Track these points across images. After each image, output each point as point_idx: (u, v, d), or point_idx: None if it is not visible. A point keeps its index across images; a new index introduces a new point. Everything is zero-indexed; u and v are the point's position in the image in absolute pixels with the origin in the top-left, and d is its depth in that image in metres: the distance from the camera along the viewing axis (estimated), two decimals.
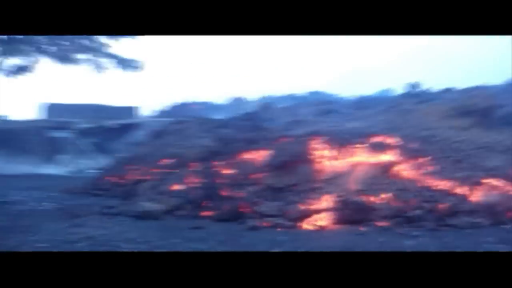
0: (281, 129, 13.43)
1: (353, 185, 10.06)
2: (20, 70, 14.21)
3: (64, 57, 14.09)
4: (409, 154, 10.74)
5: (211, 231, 8.83)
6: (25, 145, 26.83)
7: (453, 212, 8.98)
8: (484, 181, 9.94)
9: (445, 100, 14.43)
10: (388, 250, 6.98)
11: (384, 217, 9.05)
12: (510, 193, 9.53)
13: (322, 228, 8.87)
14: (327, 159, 11.09)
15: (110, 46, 14.30)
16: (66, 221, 9.77)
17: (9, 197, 13.78)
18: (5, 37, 13.77)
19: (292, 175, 10.79)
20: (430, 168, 10.45)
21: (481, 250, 6.95)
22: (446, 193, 9.63)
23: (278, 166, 10.98)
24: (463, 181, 9.91)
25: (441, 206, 9.15)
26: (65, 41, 14.04)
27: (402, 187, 9.77)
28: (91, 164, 25.10)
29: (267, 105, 19.62)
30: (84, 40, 14.26)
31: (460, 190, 9.73)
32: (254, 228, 8.97)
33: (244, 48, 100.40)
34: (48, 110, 32.05)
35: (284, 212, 9.45)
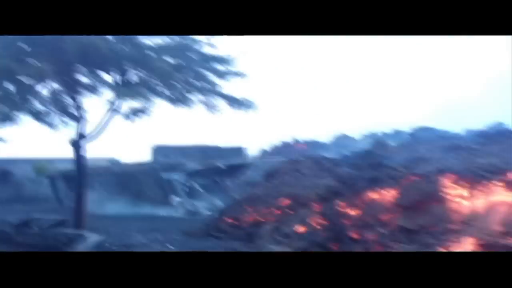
0: (405, 167, 12.83)
1: (496, 227, 9.28)
2: (137, 112, 14.72)
3: (177, 99, 14.46)
4: None
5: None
6: (139, 187, 27.96)
7: None
8: None
9: None
10: None
11: None
12: None
13: None
14: (463, 198, 10.38)
15: (222, 87, 14.50)
16: None
17: (134, 240, 14.23)
18: (119, 79, 14.43)
19: (426, 215, 10.22)
20: None
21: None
22: None
23: (409, 206, 10.45)
24: None
25: None
26: (178, 82, 14.44)
27: None
28: (204, 206, 25.59)
29: (383, 143, 19.04)
30: (197, 82, 14.61)
31: None
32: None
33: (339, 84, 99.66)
34: (159, 152, 33.33)
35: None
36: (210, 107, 14.33)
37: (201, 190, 27.89)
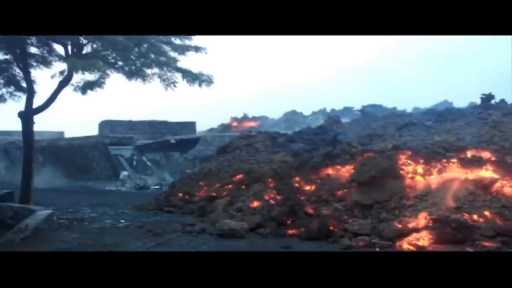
0: (359, 143, 12.83)
1: (450, 202, 9.39)
2: (90, 85, 14.10)
3: (133, 72, 13.89)
4: (509, 168, 9.97)
5: (303, 251, 8.37)
6: (87, 161, 27.23)
7: None
8: None
9: None
10: None
11: (490, 237, 8.39)
12: None
13: (423, 247, 8.27)
14: (418, 174, 10.46)
15: (178, 60, 14.01)
16: (151, 240, 9.52)
17: (85, 214, 13.75)
18: (72, 50, 13.78)
19: (381, 191, 10.23)
20: None
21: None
22: None
23: (365, 182, 10.43)
24: None
25: None
26: (134, 56, 13.86)
27: (507, 204, 9.03)
28: (152, 181, 25.15)
29: (335, 118, 19.03)
30: (153, 55, 14.08)
31: None
32: (349, 248, 8.48)
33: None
34: (106, 126, 32.53)
35: (379, 231, 8.90)
36: (166, 80, 13.82)
37: (149, 164, 27.42)
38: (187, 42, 14.40)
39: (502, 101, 15.61)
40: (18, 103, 14.84)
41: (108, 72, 13.78)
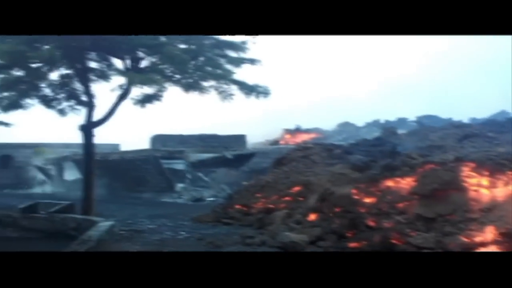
0: (420, 155, 12.63)
1: None
2: (148, 98, 14.51)
3: (190, 85, 14.23)
4: None
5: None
6: (142, 174, 27.76)
7: None
8: None
9: None
10: None
11: None
12: None
13: None
14: (483, 187, 10.19)
15: (234, 73, 14.28)
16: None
17: (144, 226, 14.08)
18: (131, 64, 14.23)
19: (444, 204, 10.02)
20: None
21: None
22: None
23: (427, 194, 10.25)
24: None
25: None
26: (191, 69, 14.19)
27: None
28: (209, 193, 25.45)
29: (392, 130, 18.81)
30: (209, 68, 14.37)
31: None
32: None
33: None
34: (160, 140, 33.06)
35: (445, 245, 8.73)
36: (223, 93, 14.09)
37: (205, 179, 27.69)
38: (242, 54, 14.65)
39: None
40: (77, 116, 15.47)
41: (165, 85, 14.19)
